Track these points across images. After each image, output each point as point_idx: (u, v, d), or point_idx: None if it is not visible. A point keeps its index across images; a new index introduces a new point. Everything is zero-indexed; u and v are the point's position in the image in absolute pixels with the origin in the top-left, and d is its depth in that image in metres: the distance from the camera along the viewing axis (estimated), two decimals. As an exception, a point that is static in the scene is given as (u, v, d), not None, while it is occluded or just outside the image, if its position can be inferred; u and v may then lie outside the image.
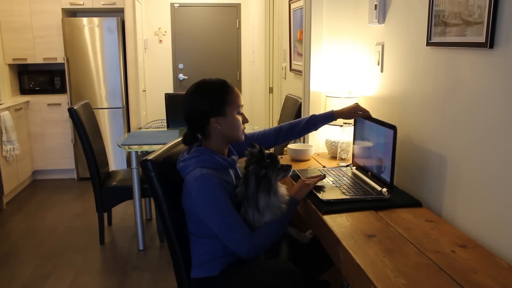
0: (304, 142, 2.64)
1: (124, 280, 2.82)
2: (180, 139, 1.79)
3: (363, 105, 2.38)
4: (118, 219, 3.81)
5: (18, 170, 4.43)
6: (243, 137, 1.70)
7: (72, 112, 3.06)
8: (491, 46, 1.35)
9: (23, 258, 3.12)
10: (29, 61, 4.85)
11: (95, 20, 4.71)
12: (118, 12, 4.99)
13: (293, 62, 3.93)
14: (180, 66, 6.42)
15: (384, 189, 1.75)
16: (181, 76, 6.43)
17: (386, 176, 1.76)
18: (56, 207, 4.11)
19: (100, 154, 3.33)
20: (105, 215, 3.62)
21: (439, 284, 1.16)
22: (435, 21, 1.64)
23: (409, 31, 1.88)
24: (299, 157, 2.38)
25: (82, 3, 4.80)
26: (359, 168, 2.06)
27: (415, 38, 1.82)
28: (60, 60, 4.83)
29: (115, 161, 4.98)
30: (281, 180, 1.68)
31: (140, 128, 5.10)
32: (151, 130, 4.12)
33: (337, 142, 2.36)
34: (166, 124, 4.28)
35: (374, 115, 2.24)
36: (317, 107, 2.56)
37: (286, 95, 3.78)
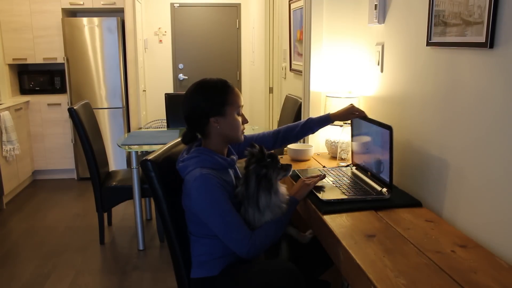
0: (304, 142, 2.64)
1: (124, 280, 2.82)
2: (180, 139, 1.79)
3: (363, 105, 2.38)
4: (118, 219, 3.81)
5: (18, 170, 4.43)
6: (243, 137, 1.70)
7: (72, 112, 3.07)
8: (491, 46, 1.35)
9: (23, 258, 3.12)
10: (29, 61, 4.85)
11: (95, 20, 4.71)
12: (118, 12, 4.99)
13: (293, 62, 3.93)
14: (180, 66, 6.42)
15: (384, 189, 1.75)
16: (181, 76, 6.43)
17: (385, 176, 1.76)
18: (56, 207, 4.11)
19: (100, 154, 3.33)
20: (105, 215, 3.62)
21: (439, 284, 1.16)
22: (435, 21, 1.64)
23: (409, 31, 1.88)
24: (299, 157, 2.38)
25: (82, 3, 4.80)
26: (359, 168, 2.06)
27: (415, 38, 1.82)
28: (60, 60, 4.83)
29: (115, 161, 4.98)
30: (281, 179, 1.68)
31: (140, 128, 5.10)
32: (151, 130, 4.12)
33: (337, 142, 2.36)
34: (166, 124, 4.28)
35: (374, 115, 2.24)
36: (317, 107, 2.56)
37: (286, 95, 3.78)
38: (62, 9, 4.78)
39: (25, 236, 3.48)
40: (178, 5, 6.27)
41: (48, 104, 4.83)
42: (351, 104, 2.01)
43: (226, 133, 1.63)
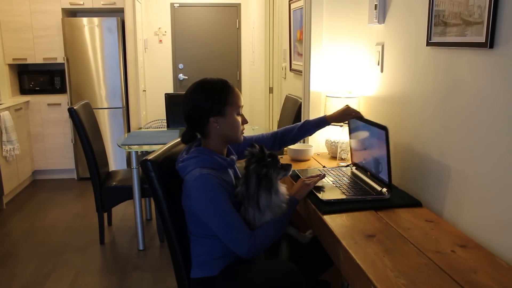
0: (304, 142, 2.64)
1: (124, 280, 2.82)
2: (180, 139, 1.79)
3: (363, 105, 2.38)
4: (118, 219, 3.81)
5: (18, 170, 4.43)
6: (242, 138, 1.70)
7: (72, 112, 3.07)
8: (491, 46, 1.35)
9: (23, 258, 3.12)
10: (29, 61, 4.85)
11: (95, 20, 4.71)
12: (118, 12, 4.99)
13: (293, 62, 3.93)
14: (180, 66, 6.42)
15: (384, 189, 1.75)
16: (181, 76, 6.43)
17: (384, 176, 1.76)
18: (56, 207, 4.11)
19: (100, 154, 3.33)
20: (105, 215, 3.62)
21: (439, 284, 1.16)
22: (435, 21, 1.64)
23: (409, 31, 1.88)
24: (299, 157, 2.38)
25: (82, 3, 4.80)
26: (359, 168, 2.06)
27: (415, 38, 1.82)
28: (60, 60, 4.83)
29: (115, 161, 4.98)
30: (281, 179, 1.68)
31: (140, 128, 5.10)
32: (151, 130, 4.12)
33: (337, 142, 2.36)
34: (166, 124, 4.28)
35: (373, 115, 2.24)
36: (317, 107, 2.56)
37: (286, 95, 3.78)
38: (62, 9, 4.78)
39: (25, 236, 3.48)
40: (178, 5, 6.27)
41: (48, 104, 4.83)
42: (347, 105, 2.01)
43: (225, 133, 1.63)
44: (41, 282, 2.79)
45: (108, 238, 3.44)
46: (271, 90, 4.94)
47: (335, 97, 2.38)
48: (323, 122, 1.97)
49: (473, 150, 1.46)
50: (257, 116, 5.62)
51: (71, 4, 4.78)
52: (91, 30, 4.71)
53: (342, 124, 2.26)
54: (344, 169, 2.10)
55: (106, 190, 3.20)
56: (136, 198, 3.15)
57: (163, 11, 6.24)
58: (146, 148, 3.13)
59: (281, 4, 4.37)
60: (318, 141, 2.61)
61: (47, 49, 4.83)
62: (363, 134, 1.95)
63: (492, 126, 1.37)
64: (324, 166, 2.22)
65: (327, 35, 2.49)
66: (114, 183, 3.24)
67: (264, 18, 4.91)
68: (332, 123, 2.00)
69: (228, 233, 1.51)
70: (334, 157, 2.43)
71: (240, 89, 6.34)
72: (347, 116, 1.99)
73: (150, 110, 6.18)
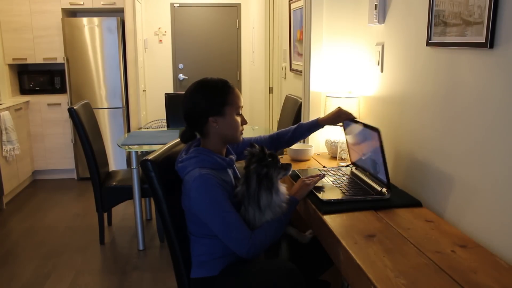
0: (304, 142, 2.64)
1: (124, 280, 2.82)
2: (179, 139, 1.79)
3: (363, 105, 2.38)
4: (118, 219, 3.81)
5: (18, 170, 4.43)
6: (241, 138, 1.71)
7: (72, 112, 3.07)
8: (491, 46, 1.35)
9: (23, 258, 3.12)
10: (29, 61, 4.85)
11: (95, 20, 4.71)
12: (118, 12, 4.99)
13: (293, 62, 3.93)
14: (180, 66, 6.42)
15: (384, 189, 1.75)
16: (181, 76, 6.43)
17: (382, 176, 1.76)
18: (56, 207, 4.11)
19: (100, 154, 3.33)
20: (105, 215, 3.62)
21: (439, 284, 1.16)
22: (435, 21, 1.64)
23: (409, 31, 1.88)
24: (299, 157, 2.38)
25: (82, 3, 4.80)
26: (358, 168, 2.06)
27: (415, 38, 1.82)
28: (60, 60, 4.83)
29: (115, 161, 4.98)
30: (281, 179, 1.68)
31: (140, 128, 5.10)
32: (151, 130, 4.12)
33: (337, 142, 2.36)
34: (166, 124, 4.28)
35: (373, 115, 2.24)
36: (317, 107, 2.56)
37: (286, 95, 3.78)
38: (62, 9, 4.78)
39: (25, 236, 3.48)
40: (178, 5, 6.27)
41: (48, 104, 4.83)
42: (339, 107, 2.01)
43: (224, 133, 1.63)
44: (41, 282, 2.79)
45: (108, 238, 3.44)
46: (271, 90, 4.94)
47: (335, 97, 2.38)
48: (315, 125, 1.97)
49: (474, 150, 1.46)
50: (257, 116, 5.62)
51: (71, 4, 4.78)
52: (91, 30, 4.71)
53: (342, 124, 2.26)
54: (344, 169, 2.10)
55: (106, 190, 3.20)
56: (136, 198, 3.15)
57: (163, 11, 6.24)
58: (146, 148, 3.13)
59: (281, 4, 4.37)
60: (318, 141, 2.61)
61: (47, 49, 4.83)
62: (358, 135, 1.95)
63: (492, 126, 1.37)
64: (324, 166, 2.22)
65: (327, 35, 2.49)
66: (114, 183, 3.24)
67: (264, 18, 4.91)
68: (325, 126, 1.99)
69: (228, 233, 1.51)
70: (334, 157, 2.43)
71: (240, 89, 6.35)
72: (340, 118, 1.98)
73: (150, 110, 6.18)
